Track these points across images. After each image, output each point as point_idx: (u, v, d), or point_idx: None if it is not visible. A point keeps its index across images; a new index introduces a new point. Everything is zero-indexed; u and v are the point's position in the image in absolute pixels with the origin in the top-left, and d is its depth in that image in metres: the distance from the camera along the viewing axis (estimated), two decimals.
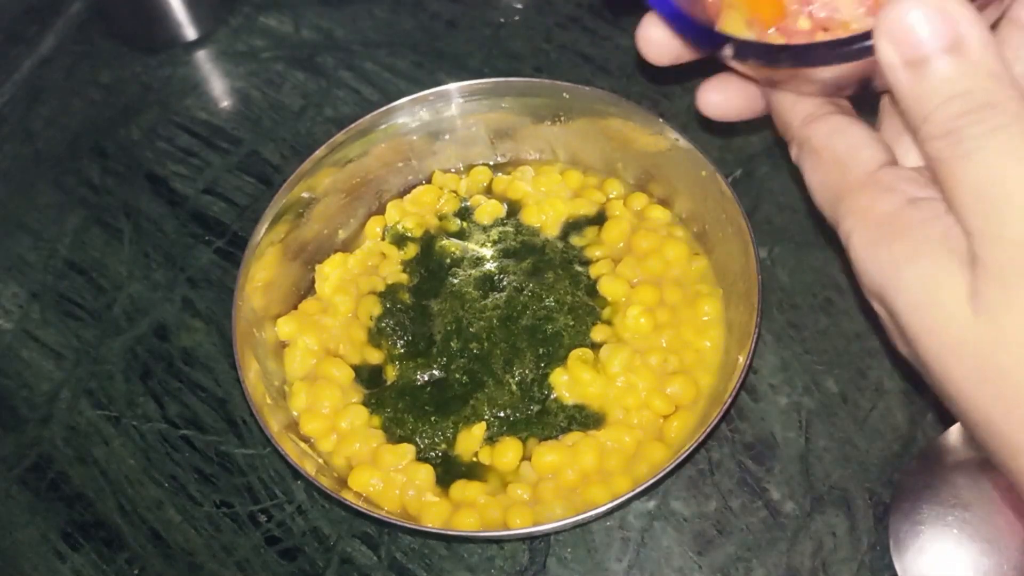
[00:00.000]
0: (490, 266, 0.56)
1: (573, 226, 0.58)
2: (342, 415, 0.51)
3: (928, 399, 0.52)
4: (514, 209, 0.59)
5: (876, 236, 0.31)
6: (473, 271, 0.56)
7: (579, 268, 0.56)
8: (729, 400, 0.46)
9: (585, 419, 0.51)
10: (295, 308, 0.56)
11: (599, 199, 0.58)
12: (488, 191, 0.60)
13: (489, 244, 0.57)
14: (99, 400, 0.57)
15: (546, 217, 0.58)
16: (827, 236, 0.58)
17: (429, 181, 0.60)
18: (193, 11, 0.70)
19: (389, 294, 0.55)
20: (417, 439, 0.51)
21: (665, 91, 0.65)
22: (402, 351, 0.54)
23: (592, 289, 0.55)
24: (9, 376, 0.59)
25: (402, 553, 0.51)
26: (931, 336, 0.29)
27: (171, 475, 0.54)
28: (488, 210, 0.58)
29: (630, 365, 0.51)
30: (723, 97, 0.37)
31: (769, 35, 0.37)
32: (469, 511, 0.48)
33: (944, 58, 0.27)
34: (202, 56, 0.71)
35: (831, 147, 0.34)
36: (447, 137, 0.59)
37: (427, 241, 0.57)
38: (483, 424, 0.51)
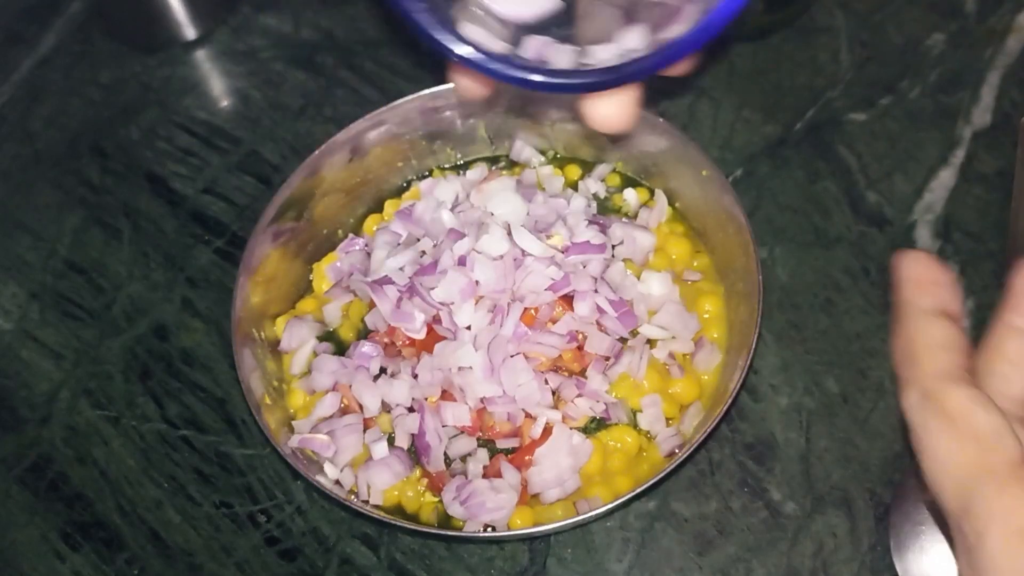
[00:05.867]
0: None
1: None
2: None
3: None
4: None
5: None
6: None
7: None
8: (729, 400, 0.46)
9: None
10: (294, 307, 0.55)
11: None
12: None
13: None
14: (98, 400, 0.57)
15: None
16: (827, 236, 0.58)
17: None
18: (193, 11, 0.70)
19: None
20: None
21: (665, 91, 0.65)
22: None
23: None
24: (9, 376, 0.59)
25: (402, 553, 0.50)
26: None
27: (170, 475, 0.54)
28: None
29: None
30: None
31: None
32: None
33: None
34: (202, 56, 0.71)
35: (972, 420, 0.31)
36: (446, 136, 0.59)
37: None
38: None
